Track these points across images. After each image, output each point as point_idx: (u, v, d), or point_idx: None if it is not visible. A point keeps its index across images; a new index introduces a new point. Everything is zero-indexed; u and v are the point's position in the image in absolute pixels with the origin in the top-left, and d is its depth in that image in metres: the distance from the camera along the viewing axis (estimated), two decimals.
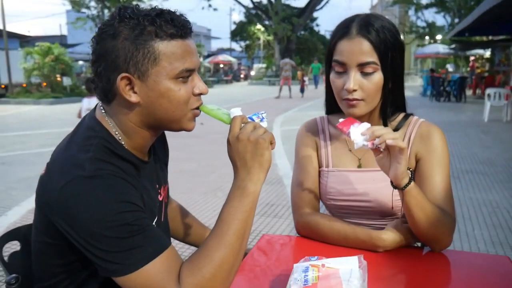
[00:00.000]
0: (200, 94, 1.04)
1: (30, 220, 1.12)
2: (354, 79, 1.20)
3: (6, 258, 1.19)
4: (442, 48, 24.45)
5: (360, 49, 1.19)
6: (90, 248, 0.90)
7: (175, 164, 6.24)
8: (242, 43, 44.97)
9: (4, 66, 18.43)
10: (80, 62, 26.89)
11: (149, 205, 1.07)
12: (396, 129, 1.34)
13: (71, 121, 4.82)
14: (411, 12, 36.21)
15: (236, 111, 1.03)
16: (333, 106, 1.38)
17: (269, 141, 0.99)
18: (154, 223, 1.10)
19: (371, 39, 1.19)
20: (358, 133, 1.08)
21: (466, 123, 10.01)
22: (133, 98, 0.97)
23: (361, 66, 1.20)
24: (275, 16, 29.03)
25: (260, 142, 0.97)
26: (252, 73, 37.27)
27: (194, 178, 5.44)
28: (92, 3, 23.15)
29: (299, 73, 21.79)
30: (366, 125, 1.11)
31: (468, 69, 23.14)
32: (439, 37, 33.37)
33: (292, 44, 30.48)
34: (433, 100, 16.08)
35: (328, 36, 31.40)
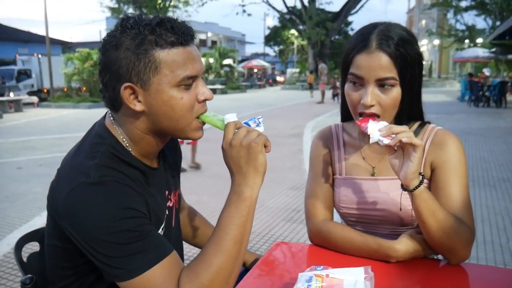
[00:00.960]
0: (205, 100, 1.04)
1: None
2: (371, 94, 1.17)
3: (25, 258, 1.24)
4: (481, 52, 23.60)
5: (379, 64, 1.16)
6: (93, 253, 0.92)
7: (204, 169, 6.24)
8: (276, 48, 45.14)
9: (47, 71, 19.26)
10: None
11: (155, 212, 1.08)
12: None
13: None
14: (449, 15, 35.29)
15: (231, 117, 1.03)
16: (348, 114, 1.36)
17: (263, 145, 0.98)
18: (161, 229, 1.11)
19: (390, 53, 1.15)
20: (376, 128, 1.10)
21: (506, 129, 9.60)
22: (138, 107, 0.99)
23: (379, 81, 1.17)
24: (309, 21, 28.89)
25: (253, 146, 0.97)
26: (279, 78, 37.59)
27: (222, 182, 5.45)
28: (130, 10, 23.85)
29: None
30: (384, 123, 1.12)
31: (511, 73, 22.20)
32: (479, 40, 32.22)
33: (326, 49, 30.24)
34: (471, 106, 15.56)
35: None
